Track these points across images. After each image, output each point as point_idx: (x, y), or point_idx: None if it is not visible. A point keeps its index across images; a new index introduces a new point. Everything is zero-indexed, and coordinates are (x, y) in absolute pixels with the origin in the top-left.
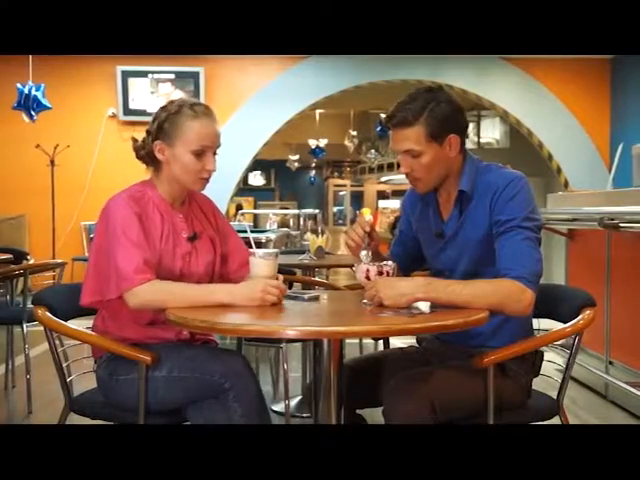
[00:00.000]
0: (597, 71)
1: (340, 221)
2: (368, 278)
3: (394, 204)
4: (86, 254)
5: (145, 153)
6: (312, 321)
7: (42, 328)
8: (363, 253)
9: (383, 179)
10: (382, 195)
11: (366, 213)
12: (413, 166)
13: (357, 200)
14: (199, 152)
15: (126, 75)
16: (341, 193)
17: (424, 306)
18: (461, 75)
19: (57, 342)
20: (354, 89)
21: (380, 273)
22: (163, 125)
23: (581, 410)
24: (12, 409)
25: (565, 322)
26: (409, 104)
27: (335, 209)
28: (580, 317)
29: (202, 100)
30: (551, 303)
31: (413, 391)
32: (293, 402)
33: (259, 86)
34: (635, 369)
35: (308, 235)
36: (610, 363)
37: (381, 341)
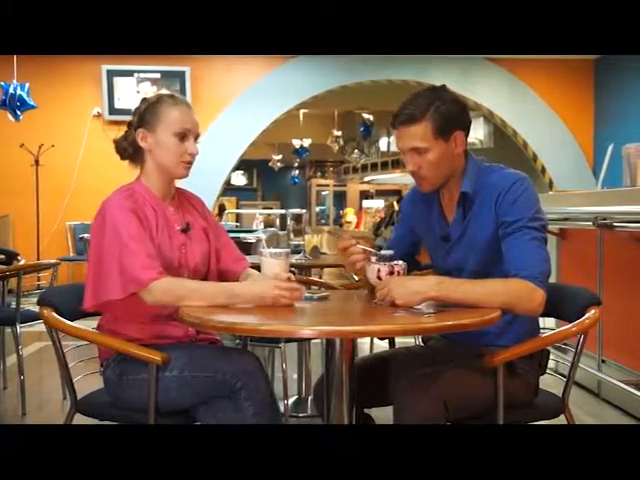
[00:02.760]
0: (581, 72)
1: (322, 221)
2: (379, 278)
3: (378, 204)
4: (71, 254)
5: (128, 144)
6: (328, 321)
7: (32, 329)
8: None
9: (366, 179)
10: (365, 195)
11: (350, 213)
12: (420, 164)
13: (340, 200)
14: (181, 135)
15: (111, 74)
16: (324, 193)
17: (430, 307)
18: (447, 75)
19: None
20: (340, 89)
21: (391, 273)
22: (144, 114)
23: (575, 408)
24: (5, 411)
25: (570, 321)
26: (414, 101)
27: (317, 209)
28: (586, 316)
29: (188, 100)
30: (556, 302)
31: (426, 390)
32: (289, 402)
33: (245, 86)
34: (627, 367)
35: (306, 236)
36: (603, 361)
37: (378, 341)
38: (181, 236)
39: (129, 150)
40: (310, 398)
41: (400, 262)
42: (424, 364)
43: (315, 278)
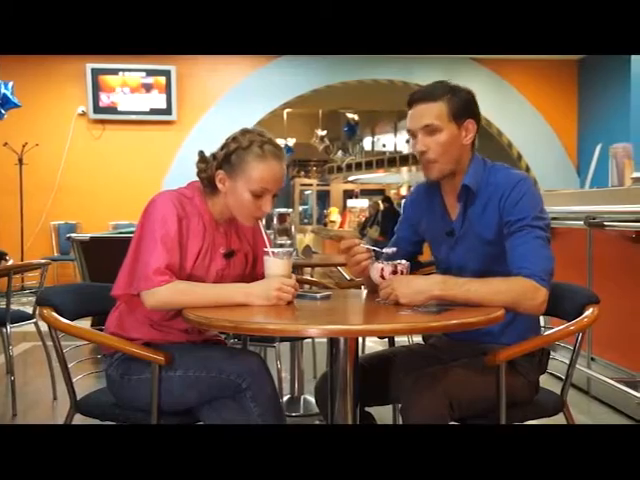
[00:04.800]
0: (565, 72)
1: (306, 220)
2: (383, 277)
3: (362, 203)
4: (56, 254)
5: (206, 177)
6: (333, 320)
7: (19, 329)
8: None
9: (350, 178)
10: (349, 194)
11: (334, 212)
12: (430, 145)
13: (323, 199)
14: (259, 193)
15: (96, 73)
16: (307, 192)
17: (433, 306)
18: (432, 75)
19: (47, 344)
20: (325, 88)
21: (394, 272)
22: (230, 157)
23: None
24: None
25: (568, 320)
26: (434, 84)
27: (300, 208)
28: (585, 314)
29: (174, 98)
30: (555, 300)
31: (432, 389)
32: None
33: (231, 85)
34: (617, 365)
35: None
36: (592, 359)
37: (369, 342)
38: (222, 261)
39: (205, 182)
40: (303, 397)
41: (403, 261)
42: (428, 363)
43: (307, 277)
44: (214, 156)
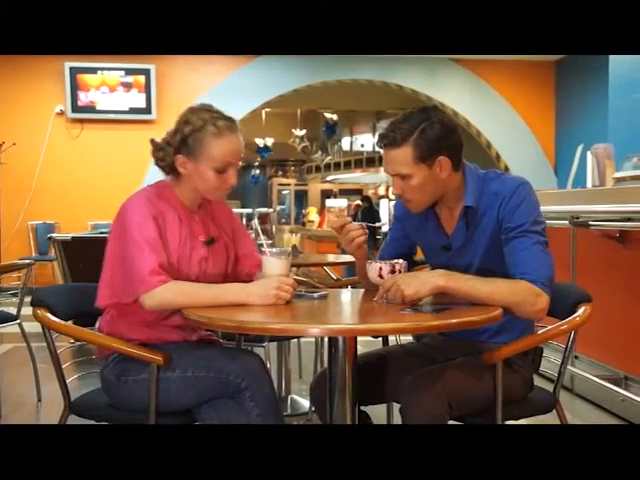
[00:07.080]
0: (543, 73)
1: (283, 220)
2: (381, 276)
3: (341, 203)
4: (33, 254)
5: (166, 164)
6: (335, 319)
7: (4, 330)
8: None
9: (329, 178)
10: (327, 194)
11: (312, 212)
12: (404, 188)
13: (301, 199)
14: (222, 169)
15: (74, 71)
16: (284, 192)
17: (432, 305)
18: (411, 76)
19: (33, 346)
20: (305, 88)
21: (393, 271)
22: (187, 140)
23: None
24: None
25: (561, 318)
26: (401, 123)
27: (278, 208)
28: (577, 313)
29: (153, 97)
30: None
31: (431, 389)
32: None
33: (211, 84)
34: (600, 362)
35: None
36: (575, 357)
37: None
38: (204, 249)
39: (166, 169)
40: (290, 397)
41: (400, 260)
42: (424, 362)
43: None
44: (168, 142)
